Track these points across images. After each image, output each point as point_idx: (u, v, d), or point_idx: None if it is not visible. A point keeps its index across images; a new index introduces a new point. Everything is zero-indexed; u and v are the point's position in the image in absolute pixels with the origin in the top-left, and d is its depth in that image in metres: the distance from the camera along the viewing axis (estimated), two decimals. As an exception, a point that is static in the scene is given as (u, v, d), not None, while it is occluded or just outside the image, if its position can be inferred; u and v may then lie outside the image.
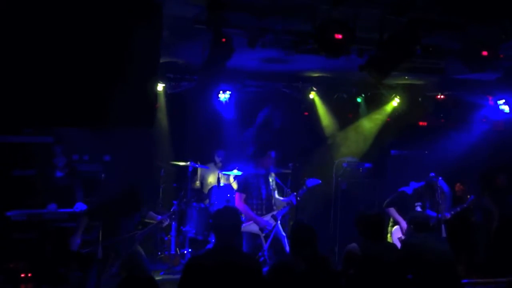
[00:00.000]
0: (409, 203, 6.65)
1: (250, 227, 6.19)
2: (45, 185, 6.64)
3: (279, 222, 6.39)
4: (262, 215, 6.28)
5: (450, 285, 4.70)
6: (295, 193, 6.37)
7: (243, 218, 6.35)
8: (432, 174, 6.72)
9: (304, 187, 6.43)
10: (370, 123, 9.68)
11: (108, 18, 3.87)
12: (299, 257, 4.06)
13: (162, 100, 8.63)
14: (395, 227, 6.59)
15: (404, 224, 6.42)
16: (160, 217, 5.98)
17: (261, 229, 6.23)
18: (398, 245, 6.32)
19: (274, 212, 6.33)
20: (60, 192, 6.58)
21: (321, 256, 4.13)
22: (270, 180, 6.47)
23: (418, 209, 6.69)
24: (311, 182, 6.49)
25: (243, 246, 6.27)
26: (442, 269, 4.65)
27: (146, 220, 6.01)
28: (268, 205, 6.35)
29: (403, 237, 6.43)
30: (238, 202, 6.28)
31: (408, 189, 6.82)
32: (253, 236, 6.23)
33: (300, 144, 9.16)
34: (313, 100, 9.22)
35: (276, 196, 6.53)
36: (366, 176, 8.79)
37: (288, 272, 3.99)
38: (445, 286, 4.65)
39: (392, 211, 6.62)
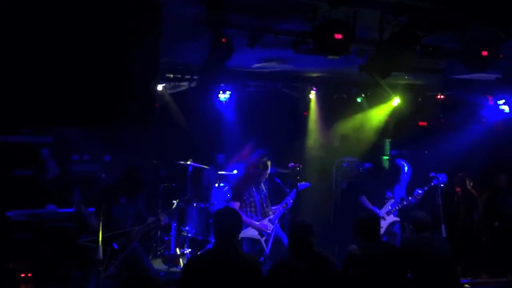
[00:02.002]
0: (377, 191, 6.85)
1: (249, 232, 6.20)
2: (44, 185, 6.65)
3: (277, 223, 6.41)
4: (258, 220, 6.29)
5: (450, 285, 4.71)
6: (287, 198, 6.50)
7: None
8: (432, 174, 6.73)
9: (295, 190, 6.52)
10: (370, 123, 9.68)
11: (107, 18, 3.87)
12: (298, 256, 4.06)
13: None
14: None
15: (375, 210, 6.56)
16: (152, 218, 5.90)
17: (260, 234, 6.23)
18: None
19: (271, 216, 6.36)
20: (58, 193, 6.59)
21: (322, 256, 4.13)
22: (262, 185, 6.48)
23: (389, 194, 6.80)
24: (302, 185, 6.67)
25: (244, 249, 6.27)
26: (442, 268, 4.65)
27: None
28: (262, 210, 6.36)
29: None
30: None
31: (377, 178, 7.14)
32: (253, 241, 6.23)
33: (300, 144, 9.17)
34: (312, 100, 9.22)
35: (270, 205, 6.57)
36: (366, 176, 8.79)
37: (288, 272, 3.99)
38: (445, 285, 4.65)
39: (364, 199, 6.81)
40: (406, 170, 6.91)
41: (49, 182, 6.66)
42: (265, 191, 6.48)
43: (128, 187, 5.71)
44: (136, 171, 5.81)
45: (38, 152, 6.86)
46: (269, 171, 6.45)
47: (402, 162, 6.97)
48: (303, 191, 6.63)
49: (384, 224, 6.67)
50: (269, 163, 6.41)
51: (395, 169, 6.95)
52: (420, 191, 6.72)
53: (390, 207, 6.76)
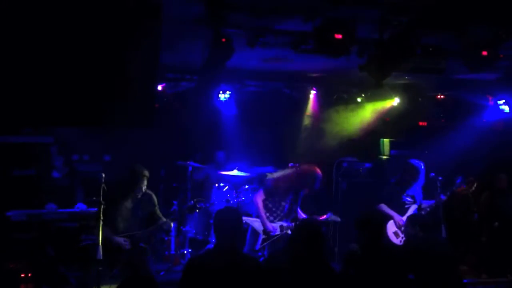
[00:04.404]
0: (396, 196, 6.66)
1: (256, 224, 6.18)
2: (44, 185, 6.65)
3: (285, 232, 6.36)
4: (271, 221, 6.26)
5: (452, 285, 4.70)
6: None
7: (253, 213, 6.34)
8: (432, 174, 6.72)
9: (325, 216, 6.44)
10: (369, 123, 9.67)
11: (108, 19, 3.87)
12: (298, 258, 4.05)
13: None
14: (389, 221, 6.56)
15: (398, 217, 6.46)
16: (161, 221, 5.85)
17: (264, 232, 6.22)
18: (393, 239, 6.37)
19: (285, 224, 6.28)
20: (60, 192, 6.58)
21: (324, 262, 4.11)
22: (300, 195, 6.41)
23: (409, 200, 6.69)
24: (331, 217, 6.51)
25: (247, 236, 6.27)
26: (445, 269, 4.65)
27: None
28: (282, 217, 6.30)
29: (397, 231, 6.45)
30: (257, 198, 6.24)
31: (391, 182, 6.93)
32: (254, 232, 6.23)
33: (300, 144, 9.17)
34: (313, 100, 9.22)
35: (299, 211, 6.48)
36: (366, 176, 8.79)
37: (286, 273, 3.99)
38: (447, 285, 4.65)
39: (384, 207, 6.58)
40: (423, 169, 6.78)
41: (55, 181, 6.65)
42: (298, 202, 6.42)
43: (131, 185, 5.64)
44: (138, 168, 5.71)
45: (42, 151, 6.85)
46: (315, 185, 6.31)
47: (418, 162, 6.76)
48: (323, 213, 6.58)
49: None
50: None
51: (411, 171, 6.71)
52: (442, 197, 6.61)
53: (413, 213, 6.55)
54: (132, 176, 5.66)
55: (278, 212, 6.28)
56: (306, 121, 9.54)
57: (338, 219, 6.66)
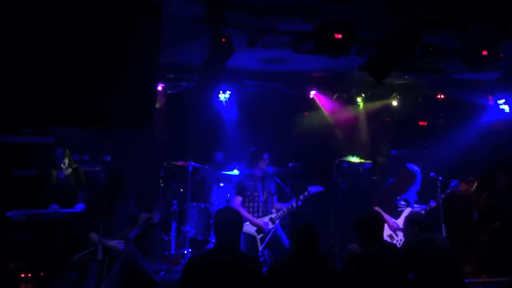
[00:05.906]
0: (390, 199, 6.63)
1: (247, 228, 6.18)
2: (45, 185, 6.65)
3: (278, 223, 6.39)
4: (258, 217, 6.29)
5: (453, 285, 4.70)
6: (295, 199, 6.38)
7: None
8: (432, 174, 6.71)
9: (306, 193, 6.42)
10: (369, 122, 9.68)
11: (108, 18, 3.87)
12: (299, 257, 4.05)
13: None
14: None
15: (391, 221, 6.44)
16: (145, 215, 5.81)
17: (258, 231, 6.22)
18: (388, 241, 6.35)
19: (273, 215, 6.33)
20: (61, 193, 6.59)
21: (321, 257, 4.12)
22: (268, 182, 6.46)
23: (402, 203, 6.65)
24: (314, 189, 6.48)
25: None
26: (446, 268, 4.65)
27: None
28: (264, 208, 6.35)
29: (392, 234, 6.45)
30: (235, 205, 6.27)
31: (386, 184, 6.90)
32: (249, 237, 6.22)
33: (300, 144, 9.17)
34: (313, 100, 9.22)
35: (276, 202, 6.54)
36: (366, 176, 8.79)
37: (287, 273, 3.99)
38: (447, 285, 4.64)
39: (377, 210, 6.45)
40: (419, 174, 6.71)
41: (58, 181, 6.67)
42: (272, 190, 6.47)
43: (115, 195, 5.66)
44: (120, 177, 5.76)
45: (44, 151, 6.85)
46: (266, 163, 6.41)
47: (415, 167, 6.71)
48: (304, 191, 6.55)
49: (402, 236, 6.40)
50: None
51: (407, 175, 6.68)
52: (442, 196, 6.57)
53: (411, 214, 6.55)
54: (119, 182, 5.72)
55: (256, 204, 6.31)
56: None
57: (321, 188, 6.60)
